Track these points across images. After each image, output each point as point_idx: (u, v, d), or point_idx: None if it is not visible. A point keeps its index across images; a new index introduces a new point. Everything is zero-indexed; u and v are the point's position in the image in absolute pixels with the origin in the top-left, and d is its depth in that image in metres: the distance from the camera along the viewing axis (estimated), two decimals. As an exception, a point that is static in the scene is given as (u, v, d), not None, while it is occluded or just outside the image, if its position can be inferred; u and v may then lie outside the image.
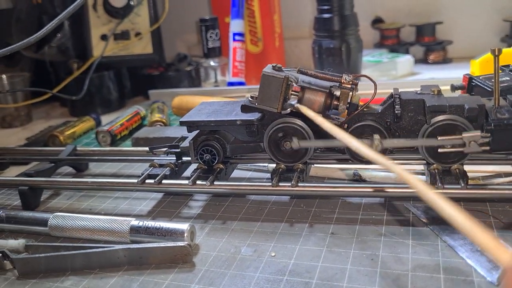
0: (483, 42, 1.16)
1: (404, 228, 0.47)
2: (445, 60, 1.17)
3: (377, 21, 1.25)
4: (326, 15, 0.95)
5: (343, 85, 0.50)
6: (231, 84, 1.05)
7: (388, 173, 0.57)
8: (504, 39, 1.13)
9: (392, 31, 1.20)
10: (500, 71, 0.62)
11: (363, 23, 1.21)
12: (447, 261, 0.41)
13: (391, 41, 1.21)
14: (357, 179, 0.58)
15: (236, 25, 1.05)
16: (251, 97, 0.53)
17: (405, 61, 1.09)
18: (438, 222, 0.47)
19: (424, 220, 0.47)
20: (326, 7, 0.94)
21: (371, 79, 0.50)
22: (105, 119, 0.96)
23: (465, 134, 0.45)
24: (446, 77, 1.04)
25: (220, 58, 1.11)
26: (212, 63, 1.11)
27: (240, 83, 1.04)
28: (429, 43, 1.18)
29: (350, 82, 0.49)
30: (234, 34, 1.05)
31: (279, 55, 1.16)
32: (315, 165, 0.58)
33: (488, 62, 0.85)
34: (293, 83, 0.51)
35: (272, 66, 0.52)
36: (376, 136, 0.42)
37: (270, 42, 1.11)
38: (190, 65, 1.14)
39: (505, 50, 0.84)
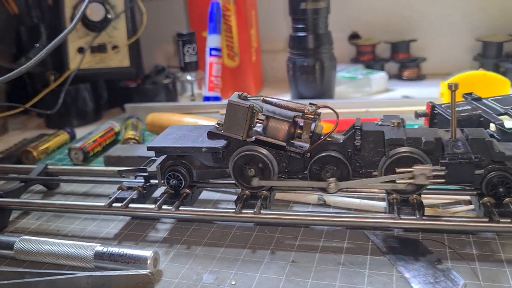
0: (456, 60, 1.19)
1: (362, 257, 0.48)
2: (419, 77, 1.20)
3: (354, 37, 1.27)
4: (301, 34, 0.96)
5: (306, 115, 0.51)
6: (207, 98, 1.06)
7: (351, 199, 0.58)
8: (476, 58, 1.15)
9: (368, 47, 1.22)
10: (462, 99, 0.65)
11: (340, 38, 1.24)
12: (399, 292, 0.43)
13: (367, 57, 1.23)
14: (322, 204, 0.59)
15: (212, 40, 1.06)
16: (218, 123, 0.55)
17: (379, 78, 1.11)
18: (396, 251, 0.48)
19: (381, 249, 0.49)
20: (300, 26, 0.96)
21: (333, 110, 0.51)
22: (81, 131, 0.96)
23: (416, 167, 0.46)
24: (419, 93, 1.06)
25: (197, 72, 1.12)
26: (188, 77, 1.12)
27: (216, 98, 1.05)
28: (403, 60, 1.20)
29: (313, 113, 0.51)
30: (211, 49, 1.05)
31: (256, 70, 1.18)
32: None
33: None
34: (258, 112, 0.52)
35: (238, 94, 0.53)
36: (332, 179, 0.44)
37: (247, 57, 1.12)
38: (167, 77, 1.14)
39: (468, 74, 0.86)
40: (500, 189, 0.48)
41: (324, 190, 0.51)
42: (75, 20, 0.87)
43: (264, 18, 1.24)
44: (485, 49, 1.13)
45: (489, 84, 0.87)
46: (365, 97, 1.08)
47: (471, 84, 0.87)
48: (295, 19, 0.97)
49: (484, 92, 0.85)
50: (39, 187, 0.71)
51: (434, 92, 0.99)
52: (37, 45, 1.07)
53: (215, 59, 1.06)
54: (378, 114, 0.92)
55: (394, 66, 1.23)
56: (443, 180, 0.47)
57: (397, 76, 1.22)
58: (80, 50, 1.03)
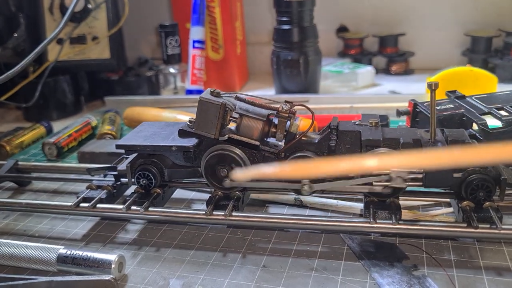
0: (444, 55, 1.17)
1: (336, 262, 0.46)
2: (407, 72, 1.18)
3: (342, 30, 1.25)
4: (285, 27, 0.94)
5: (280, 113, 0.49)
6: (189, 92, 1.03)
7: (328, 200, 0.56)
8: (465, 53, 1.13)
9: (356, 40, 1.20)
10: (445, 97, 0.63)
11: (328, 31, 1.21)
12: (372, 301, 0.41)
13: (354, 50, 1.20)
14: (298, 204, 0.57)
15: (196, 32, 1.03)
16: (190, 121, 0.52)
17: (365, 72, 1.09)
18: (371, 256, 0.46)
19: (356, 254, 0.47)
20: (285, 19, 0.94)
21: (309, 109, 0.49)
22: (59, 124, 0.94)
23: (393, 170, 0.44)
24: (407, 88, 1.04)
25: (180, 65, 1.10)
26: (171, 70, 1.09)
27: (199, 91, 1.03)
28: (391, 54, 1.18)
29: (288, 111, 0.48)
30: (194, 42, 1.03)
31: (241, 63, 1.15)
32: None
33: (443, 80, 0.85)
34: (231, 110, 0.50)
35: (211, 91, 0.51)
36: (306, 181, 0.42)
37: (232, 50, 1.10)
38: (151, 70, 1.12)
39: (455, 69, 0.85)
40: (480, 193, 0.46)
41: (298, 191, 0.49)
42: (64, 18, 0.86)
43: (250, 10, 1.21)
44: (474, 44, 1.11)
45: (476, 80, 0.85)
46: (351, 91, 1.06)
47: (457, 80, 0.85)
48: (280, 12, 0.94)
49: (471, 88, 0.84)
50: (10, 183, 0.69)
51: (421, 87, 0.97)
52: (16, 34, 1.05)
53: (198, 52, 1.03)
54: (363, 110, 0.90)
55: (382, 60, 1.21)
56: (420, 184, 0.46)
57: (385, 71, 1.20)
58: (59, 41, 1.00)
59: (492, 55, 1.09)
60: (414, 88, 1.04)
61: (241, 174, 0.36)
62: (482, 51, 1.10)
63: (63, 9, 0.99)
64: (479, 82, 0.85)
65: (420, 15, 1.17)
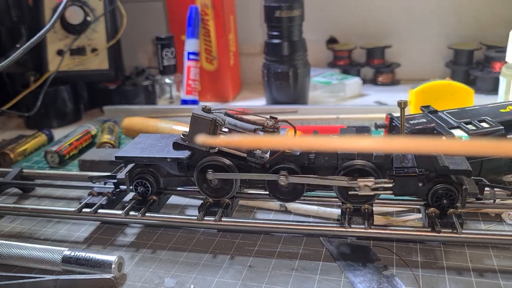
0: (428, 67, 1.22)
1: (315, 263, 0.51)
2: (393, 82, 1.23)
3: (331, 41, 1.30)
4: (275, 41, 0.99)
5: (265, 128, 0.54)
6: (184, 102, 1.08)
7: (310, 206, 0.61)
8: (448, 65, 1.19)
9: (344, 52, 1.25)
10: (420, 112, 0.68)
11: (318, 42, 1.27)
12: (345, 297, 0.46)
13: (343, 61, 1.26)
14: (283, 210, 0.62)
15: (190, 45, 1.08)
16: (183, 134, 0.57)
17: (353, 83, 1.14)
18: (346, 258, 0.51)
19: (333, 256, 0.52)
20: (275, 33, 0.99)
21: (291, 124, 0.54)
22: (60, 132, 0.99)
23: (360, 179, 0.49)
24: (392, 99, 1.09)
25: (175, 75, 1.15)
26: (167, 80, 1.14)
27: (194, 101, 1.08)
28: (378, 66, 1.23)
29: (272, 126, 0.53)
30: (189, 53, 1.08)
31: (234, 73, 1.20)
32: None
33: (423, 92, 0.91)
34: (221, 125, 0.55)
35: (202, 107, 0.56)
36: (283, 172, 0.48)
37: (225, 61, 1.15)
38: (147, 79, 1.17)
39: (435, 83, 0.90)
40: (444, 201, 0.51)
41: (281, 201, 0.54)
42: (52, 19, 0.90)
43: (243, 22, 1.26)
44: (457, 57, 1.17)
45: (454, 93, 0.90)
46: (339, 102, 1.11)
47: (437, 93, 0.91)
48: (270, 26, 0.99)
49: (449, 100, 0.89)
50: (15, 189, 0.74)
51: (405, 97, 1.02)
52: (18, 45, 1.09)
53: (193, 63, 1.08)
54: (349, 120, 0.95)
55: (370, 71, 1.26)
56: (391, 192, 0.51)
57: (372, 81, 1.25)
58: (60, 52, 1.05)
59: (473, 67, 1.14)
60: (399, 98, 1.09)
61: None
62: (464, 63, 1.15)
63: (63, 22, 1.04)
64: (457, 94, 0.91)
65: (406, 28, 1.23)
